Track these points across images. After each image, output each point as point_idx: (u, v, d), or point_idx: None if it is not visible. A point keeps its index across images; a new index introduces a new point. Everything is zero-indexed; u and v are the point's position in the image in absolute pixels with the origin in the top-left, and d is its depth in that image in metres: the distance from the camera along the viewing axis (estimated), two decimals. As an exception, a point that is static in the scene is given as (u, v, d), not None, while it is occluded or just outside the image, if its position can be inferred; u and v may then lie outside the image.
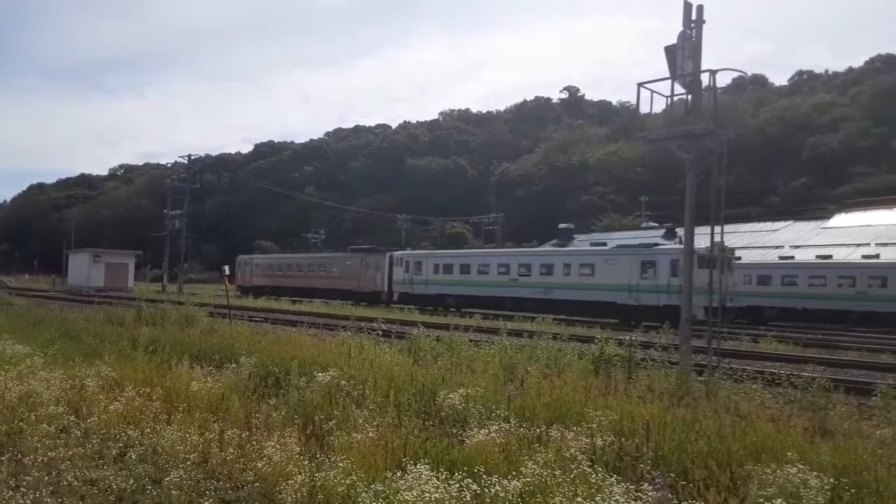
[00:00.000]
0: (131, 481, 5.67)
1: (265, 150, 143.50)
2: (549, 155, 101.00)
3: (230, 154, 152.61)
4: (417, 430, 6.80)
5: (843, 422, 8.22)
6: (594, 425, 6.66)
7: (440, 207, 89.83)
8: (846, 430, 7.74)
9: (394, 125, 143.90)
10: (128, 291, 51.75)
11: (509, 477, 5.12)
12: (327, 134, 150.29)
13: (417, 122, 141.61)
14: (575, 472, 5.23)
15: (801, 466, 5.17)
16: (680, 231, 35.47)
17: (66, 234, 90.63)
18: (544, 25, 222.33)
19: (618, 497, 4.76)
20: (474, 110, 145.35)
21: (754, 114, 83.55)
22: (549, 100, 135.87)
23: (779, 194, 72.25)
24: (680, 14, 12.08)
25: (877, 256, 38.26)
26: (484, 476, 5.14)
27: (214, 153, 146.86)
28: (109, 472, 5.95)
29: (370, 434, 6.38)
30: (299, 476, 5.47)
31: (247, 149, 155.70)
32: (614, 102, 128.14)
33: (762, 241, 45.19)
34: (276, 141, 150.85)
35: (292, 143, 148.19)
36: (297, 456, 5.96)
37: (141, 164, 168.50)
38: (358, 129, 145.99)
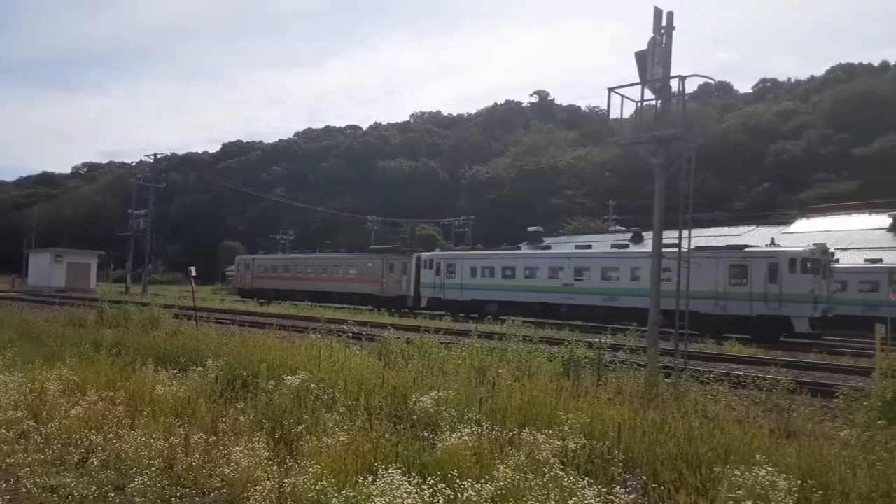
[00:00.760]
0: (93, 488, 5.52)
1: (233, 150, 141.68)
2: (519, 158, 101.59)
3: (197, 153, 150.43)
4: (389, 433, 6.74)
5: (807, 423, 8.39)
6: (566, 428, 6.68)
7: (410, 209, 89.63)
8: (810, 431, 7.90)
9: (364, 126, 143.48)
10: (90, 292, 50.60)
11: (482, 481, 5.10)
12: (297, 134, 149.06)
13: (388, 123, 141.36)
14: (547, 475, 5.23)
15: (768, 468, 5.23)
16: (646, 234, 35.96)
17: (26, 233, 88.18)
18: (515, 29, 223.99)
19: (590, 500, 4.77)
20: (445, 113, 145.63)
21: (719, 120, 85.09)
22: (519, 103, 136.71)
23: (743, 199, 73.65)
24: (650, 21, 12.23)
25: (836, 261, 39.21)
26: (457, 480, 5.10)
27: (181, 152, 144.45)
28: (70, 478, 5.78)
29: (341, 438, 6.29)
30: (268, 482, 5.38)
31: (214, 148, 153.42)
32: (583, 107, 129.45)
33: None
34: (244, 140, 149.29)
35: (261, 142, 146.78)
36: (266, 461, 5.86)
37: (105, 162, 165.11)
38: (328, 130, 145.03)
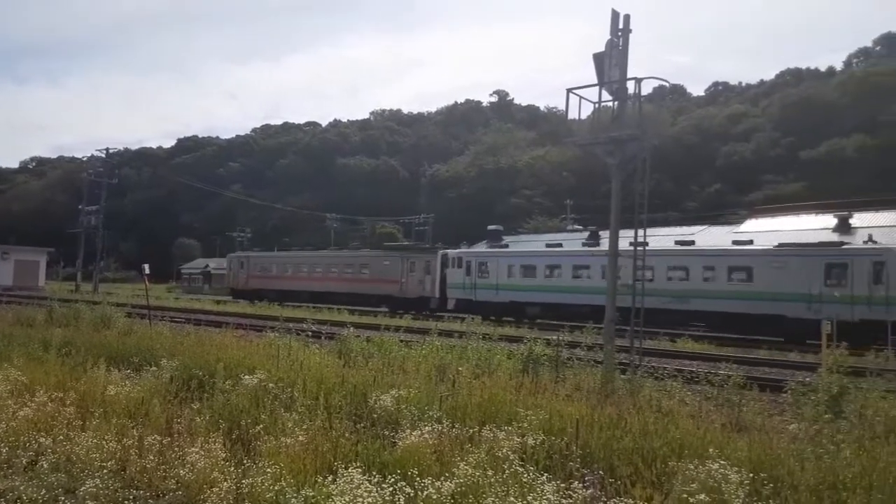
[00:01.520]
0: (43, 492, 5.35)
1: (189, 145, 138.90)
2: (478, 157, 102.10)
3: (151, 148, 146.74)
4: (348, 432, 6.71)
5: (757, 417, 8.65)
6: (525, 424, 6.76)
7: (370, 207, 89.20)
8: (760, 425, 8.15)
9: (324, 123, 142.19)
10: (39, 290, 48.99)
11: (442, 478, 5.12)
12: (255, 130, 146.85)
13: (348, 120, 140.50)
14: (507, 471, 5.28)
15: (721, 462, 5.38)
16: (603, 234, 36.51)
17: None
18: (475, 29, 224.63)
19: (549, 496, 4.83)
20: (406, 111, 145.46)
21: (673, 122, 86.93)
22: (479, 103, 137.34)
23: (695, 199, 75.35)
24: (608, 23, 12.43)
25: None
26: (417, 478, 5.11)
27: (134, 147, 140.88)
28: (19, 482, 5.60)
29: (300, 438, 6.24)
30: (225, 483, 5.31)
31: (169, 143, 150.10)
32: (542, 107, 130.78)
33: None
34: (200, 136, 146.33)
35: (217, 138, 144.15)
36: (223, 462, 5.78)
37: (55, 156, 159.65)
38: (287, 126, 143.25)
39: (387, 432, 6.90)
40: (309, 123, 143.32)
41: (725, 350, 20.51)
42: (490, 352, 12.83)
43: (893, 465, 5.70)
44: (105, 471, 5.66)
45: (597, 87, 12.57)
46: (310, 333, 14.11)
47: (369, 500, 4.70)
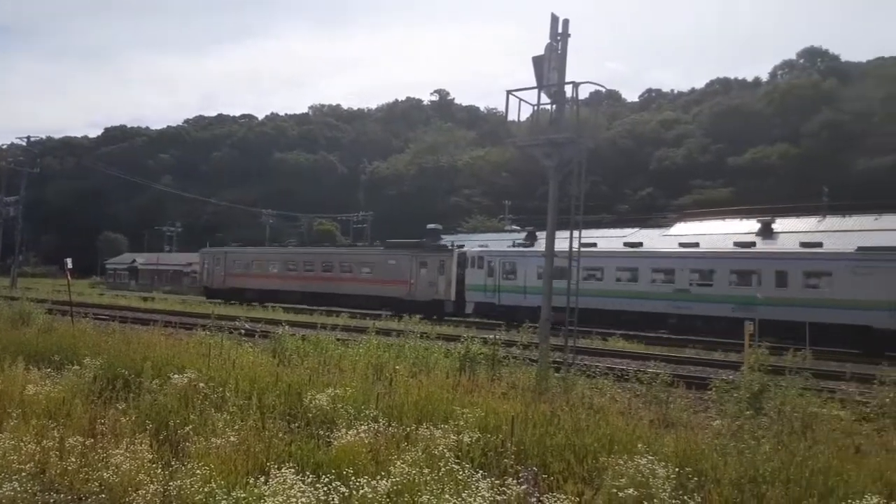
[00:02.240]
0: (-48, 498, 5.05)
1: (116, 135, 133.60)
2: (419, 156, 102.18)
3: (76, 138, 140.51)
4: (282, 432, 6.60)
5: (683, 414, 8.96)
6: (461, 422, 6.80)
7: (308, 204, 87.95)
8: (686, 421, 8.45)
9: (261, 116, 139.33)
10: (-52, 285, 46.13)
11: (378, 477, 5.10)
12: (187, 121, 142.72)
13: (286, 114, 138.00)
14: (443, 469, 5.30)
15: (649, 457, 5.55)
16: (540, 234, 37.11)
17: None
18: (418, 27, 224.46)
19: (484, 492, 4.88)
20: (345, 106, 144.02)
21: (609, 127, 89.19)
22: (420, 101, 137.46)
23: (628, 202, 77.53)
24: (548, 27, 12.61)
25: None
26: (352, 477, 5.07)
27: (58, 136, 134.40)
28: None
29: (231, 438, 6.10)
30: (151, 485, 5.15)
31: (95, 133, 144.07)
32: (483, 108, 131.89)
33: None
34: (129, 126, 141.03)
35: (147, 128, 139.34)
36: (149, 463, 5.60)
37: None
38: (221, 118, 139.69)
39: (322, 432, 6.82)
40: (245, 116, 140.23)
41: (654, 349, 21.18)
42: (428, 350, 12.84)
43: (809, 459, 6.01)
44: (23, 474, 5.41)
45: (536, 90, 12.76)
46: (243, 332, 13.78)
47: (303, 500, 4.64)
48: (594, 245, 30.01)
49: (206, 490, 4.95)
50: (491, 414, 7.40)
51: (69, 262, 20.69)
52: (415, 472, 5.23)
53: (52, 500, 5.14)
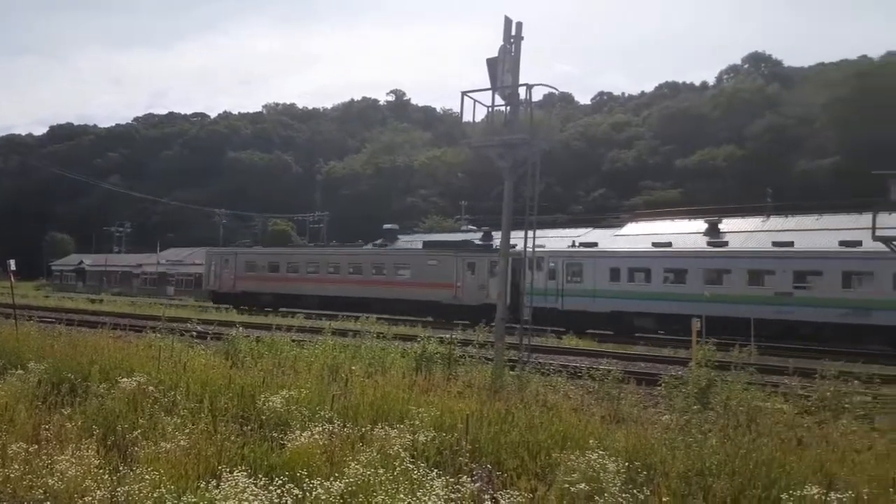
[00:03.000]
0: None
1: (63, 133, 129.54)
2: (375, 155, 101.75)
3: (20, 135, 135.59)
4: (235, 435, 6.51)
5: (634, 409, 9.17)
6: (416, 422, 6.82)
7: (262, 204, 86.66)
8: (637, 416, 8.64)
9: (213, 115, 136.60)
10: None
11: (332, 479, 5.08)
12: (137, 119, 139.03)
13: (240, 113, 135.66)
14: (397, 469, 5.31)
15: (600, 452, 5.68)
16: (496, 234, 37.35)
17: None
18: (374, 26, 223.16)
19: (438, 491, 4.91)
20: (300, 106, 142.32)
21: (562, 129, 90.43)
22: (376, 101, 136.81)
23: (581, 203, 78.77)
24: (501, 29, 12.73)
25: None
26: (306, 479, 5.05)
27: (1, 134, 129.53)
28: None
29: (181, 443, 6.00)
30: (98, 491, 5.02)
31: (41, 130, 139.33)
32: (439, 109, 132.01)
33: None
34: (76, 123, 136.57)
35: (95, 126, 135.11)
36: (96, 469, 5.45)
37: None
38: (172, 116, 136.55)
39: (275, 434, 6.75)
40: (197, 114, 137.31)
41: (606, 346, 21.58)
42: (384, 351, 12.83)
43: (753, 451, 6.23)
44: (-39, 484, 5.21)
45: (490, 92, 12.87)
46: (194, 334, 13.53)
47: (255, 503, 4.59)
48: (542, 246, 28.76)
49: (155, 495, 4.86)
50: (446, 413, 7.45)
51: (12, 264, 19.95)
52: (369, 472, 5.23)
53: (-8, 510, 4.97)
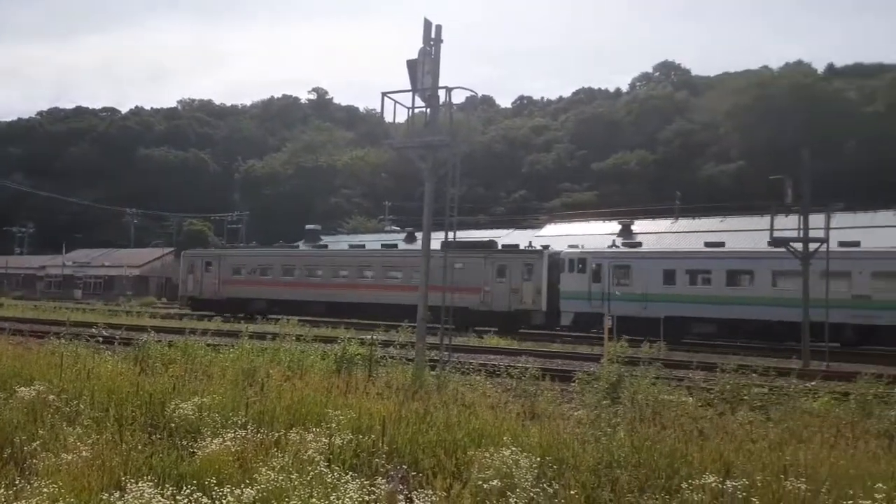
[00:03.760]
0: None
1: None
2: (296, 155, 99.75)
3: None
4: (142, 444, 6.29)
5: (549, 406, 9.42)
6: (333, 425, 6.78)
7: (178, 203, 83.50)
8: (551, 413, 8.89)
9: (124, 110, 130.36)
10: None
11: (243, 485, 4.99)
12: (40, 114, 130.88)
13: (152, 108, 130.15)
14: (312, 473, 5.27)
15: (514, 449, 5.82)
16: (418, 235, 37.46)
17: None
18: (294, 22, 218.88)
19: (352, 494, 4.91)
20: (217, 102, 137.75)
21: (483, 131, 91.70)
22: (297, 99, 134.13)
23: (502, 204, 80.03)
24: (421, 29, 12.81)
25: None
26: (215, 487, 4.94)
27: None
28: None
29: (83, 453, 5.74)
30: (-9, 508, 4.74)
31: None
32: (362, 108, 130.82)
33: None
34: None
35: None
36: (-11, 485, 5.15)
37: None
38: (79, 111, 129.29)
39: (185, 442, 6.56)
40: (106, 109, 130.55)
41: (525, 345, 22.03)
42: (304, 353, 12.66)
43: (658, 443, 6.53)
44: None
45: (410, 93, 12.93)
46: (101, 339, 12.94)
47: (162, 513, 4.46)
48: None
49: (54, 509, 4.64)
50: (365, 415, 7.43)
51: None
52: (283, 477, 5.16)
53: None
